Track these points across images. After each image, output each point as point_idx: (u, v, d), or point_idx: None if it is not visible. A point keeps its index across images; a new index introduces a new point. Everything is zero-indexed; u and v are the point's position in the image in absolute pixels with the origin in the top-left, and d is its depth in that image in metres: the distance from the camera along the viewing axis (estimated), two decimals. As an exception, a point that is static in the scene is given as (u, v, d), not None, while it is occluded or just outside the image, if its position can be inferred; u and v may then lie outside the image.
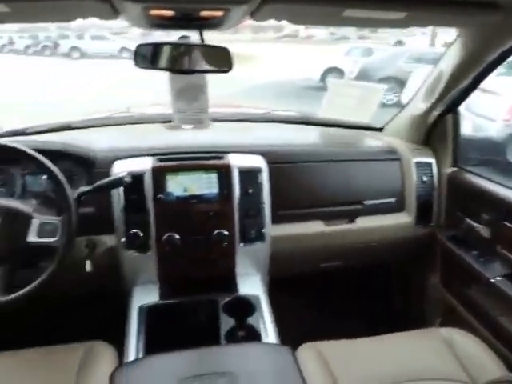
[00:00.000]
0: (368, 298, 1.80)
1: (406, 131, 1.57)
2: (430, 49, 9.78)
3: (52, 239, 1.07)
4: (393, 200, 1.48)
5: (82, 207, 1.18)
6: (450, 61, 1.32)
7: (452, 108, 1.45)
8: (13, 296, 1.04)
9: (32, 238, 1.07)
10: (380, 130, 1.72)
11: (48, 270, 1.05)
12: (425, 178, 1.49)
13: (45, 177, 1.33)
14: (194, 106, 1.26)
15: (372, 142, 1.61)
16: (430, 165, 1.51)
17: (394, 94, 7.24)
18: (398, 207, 1.49)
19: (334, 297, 1.73)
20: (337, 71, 9.14)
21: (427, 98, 1.45)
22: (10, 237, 1.06)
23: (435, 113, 1.46)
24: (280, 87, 8.75)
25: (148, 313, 1.20)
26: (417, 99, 1.53)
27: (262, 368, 0.89)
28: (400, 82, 7.41)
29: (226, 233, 1.29)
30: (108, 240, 1.30)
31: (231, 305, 1.22)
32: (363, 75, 7.76)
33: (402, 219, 1.50)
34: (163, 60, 1.17)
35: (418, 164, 1.49)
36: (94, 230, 1.28)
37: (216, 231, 1.28)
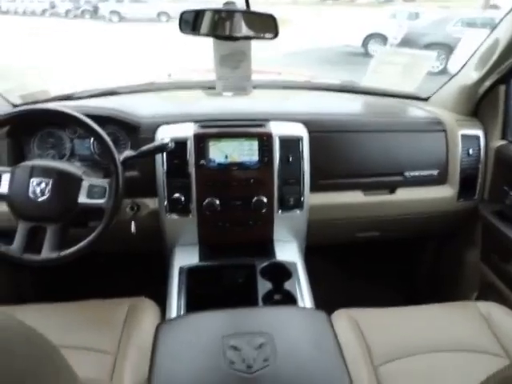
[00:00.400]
0: (403, 270, 1.80)
1: (454, 102, 1.51)
2: (482, 13, 9.17)
3: (100, 201, 1.13)
4: (435, 172, 1.44)
5: (127, 171, 1.23)
6: (508, 28, 1.24)
7: (506, 78, 1.38)
8: (65, 252, 1.11)
9: (82, 199, 1.13)
10: (426, 99, 1.66)
11: (97, 230, 1.11)
12: (471, 151, 1.44)
13: (91, 141, 1.39)
14: (237, 73, 1.26)
15: (417, 112, 1.56)
16: (477, 137, 1.45)
17: (440, 61, 6.90)
18: (441, 180, 1.46)
19: (369, 266, 1.74)
20: (379, 36, 8.76)
21: (480, 66, 1.38)
22: (62, 197, 1.12)
23: (487, 83, 1.39)
24: (320, 53, 8.51)
25: (188, 273, 1.26)
26: (468, 68, 1.46)
27: (299, 330, 0.92)
28: (447, 48, 7.04)
29: (265, 200, 1.31)
30: (151, 203, 1.35)
31: (268, 269, 1.26)
32: (407, 41, 7.40)
33: (444, 192, 1.46)
34: (208, 26, 1.16)
35: (465, 136, 1.44)
36: (138, 193, 1.33)
37: (255, 198, 1.30)
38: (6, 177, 1.13)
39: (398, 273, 1.79)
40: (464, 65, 1.49)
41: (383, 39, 8.60)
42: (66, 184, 1.12)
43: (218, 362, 0.82)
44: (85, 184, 1.14)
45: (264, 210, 1.32)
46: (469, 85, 1.45)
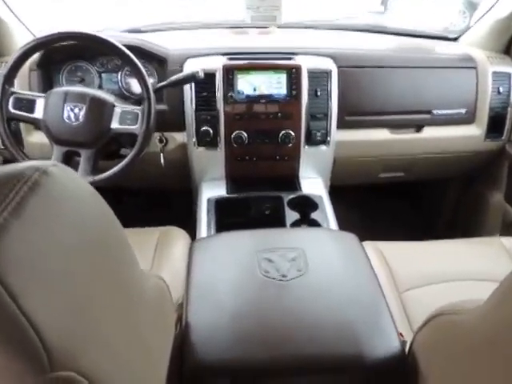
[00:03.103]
0: (426, 211, 1.81)
1: (486, 39, 1.48)
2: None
3: (133, 126, 1.14)
4: (463, 111, 1.43)
5: (156, 104, 1.24)
6: None
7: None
8: (99, 177, 1.14)
9: (115, 125, 1.15)
10: (455, 39, 1.62)
11: (130, 155, 1.13)
12: (501, 89, 1.41)
13: (119, 76, 1.39)
14: (266, 2, 1.24)
15: (446, 49, 1.53)
16: (508, 75, 1.42)
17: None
18: (468, 119, 1.45)
19: (391, 206, 1.76)
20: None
21: None
22: (95, 123, 1.14)
23: None
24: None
25: (216, 204, 1.29)
26: (500, 4, 1.41)
27: (330, 247, 0.94)
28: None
29: (293, 134, 1.31)
30: (179, 137, 1.37)
31: (295, 201, 1.28)
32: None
33: (472, 131, 1.45)
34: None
35: (496, 74, 1.41)
36: (167, 127, 1.34)
37: (283, 131, 1.31)
38: (41, 102, 1.14)
39: (421, 213, 1.80)
40: (496, 1, 1.44)
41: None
42: (99, 110, 1.14)
43: (253, 271, 0.86)
44: (117, 110, 1.15)
45: (291, 145, 1.33)
46: (501, 20, 1.41)
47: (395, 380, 0.72)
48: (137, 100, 1.29)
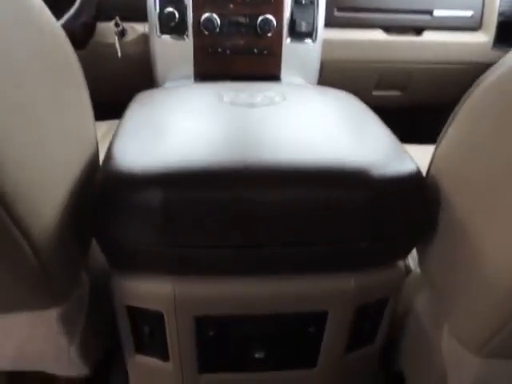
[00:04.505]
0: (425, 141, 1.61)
1: None
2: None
3: None
4: (469, 14, 1.25)
5: None
6: None
7: None
8: None
9: None
10: None
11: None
12: None
13: None
14: None
15: None
16: None
17: None
18: (474, 24, 1.27)
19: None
20: None
21: None
22: None
23: None
24: None
25: None
26: None
27: (320, 96, 0.73)
28: None
29: (273, 20, 1.12)
30: (140, 27, 1.17)
31: None
32: None
33: (478, 38, 1.27)
34: None
35: None
36: (126, 16, 1.15)
37: (261, 17, 1.12)
38: None
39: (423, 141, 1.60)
40: None
41: None
42: None
43: (212, 100, 0.64)
44: None
45: (270, 34, 1.13)
46: None
47: (410, 201, 0.51)
48: None
